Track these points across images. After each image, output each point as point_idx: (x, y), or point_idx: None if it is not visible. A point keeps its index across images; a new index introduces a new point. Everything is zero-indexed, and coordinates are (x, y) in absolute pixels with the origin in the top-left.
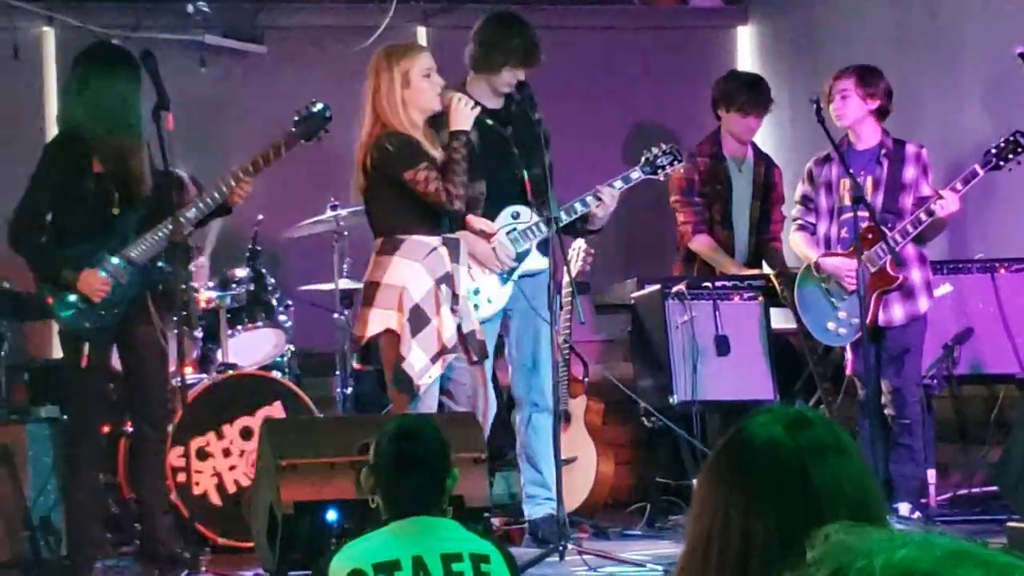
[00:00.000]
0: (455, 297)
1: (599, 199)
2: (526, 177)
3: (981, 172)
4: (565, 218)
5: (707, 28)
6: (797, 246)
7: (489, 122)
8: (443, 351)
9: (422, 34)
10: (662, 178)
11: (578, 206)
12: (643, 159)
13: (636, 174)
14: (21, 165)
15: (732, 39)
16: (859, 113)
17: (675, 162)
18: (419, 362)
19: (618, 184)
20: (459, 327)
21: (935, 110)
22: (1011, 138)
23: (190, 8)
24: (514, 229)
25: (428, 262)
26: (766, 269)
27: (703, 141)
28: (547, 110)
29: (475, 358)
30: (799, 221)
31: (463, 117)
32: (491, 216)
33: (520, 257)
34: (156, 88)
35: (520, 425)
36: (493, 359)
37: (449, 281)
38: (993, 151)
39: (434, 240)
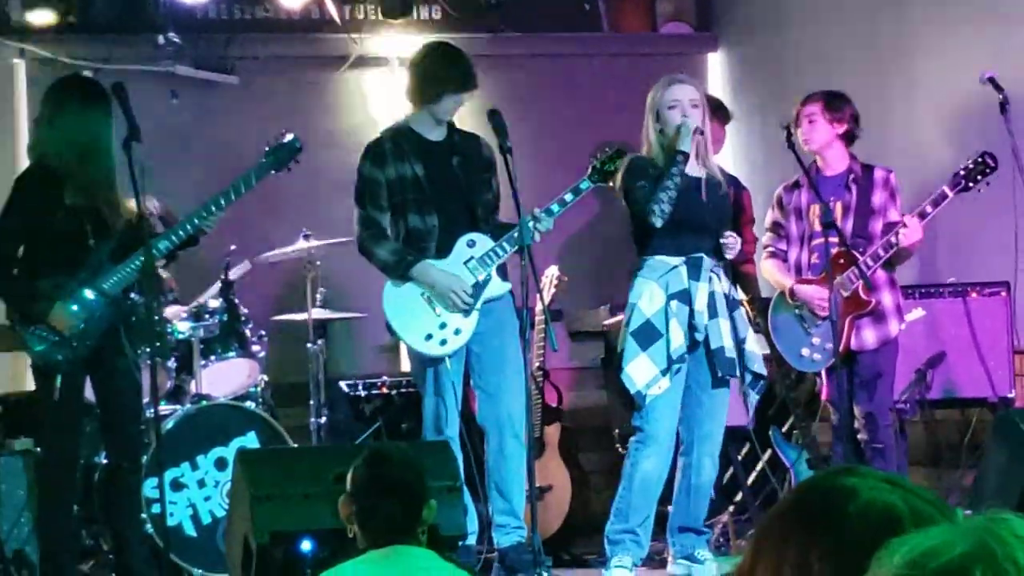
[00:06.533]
0: (691, 312)
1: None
2: (477, 205)
3: (951, 194)
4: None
5: (677, 55)
6: (769, 274)
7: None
8: (670, 363)
9: (394, 64)
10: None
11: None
12: (590, 168)
13: (585, 184)
14: None
15: (702, 65)
16: (826, 137)
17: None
18: (645, 373)
19: (569, 196)
20: (707, 341)
21: (904, 134)
22: (979, 159)
23: (161, 40)
24: (471, 258)
25: (664, 280)
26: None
27: None
28: (517, 137)
29: (720, 373)
30: (770, 248)
31: (684, 138)
32: (446, 247)
33: (479, 286)
34: (127, 119)
35: (488, 453)
36: (463, 388)
37: (684, 297)
38: (962, 172)
39: (676, 260)
